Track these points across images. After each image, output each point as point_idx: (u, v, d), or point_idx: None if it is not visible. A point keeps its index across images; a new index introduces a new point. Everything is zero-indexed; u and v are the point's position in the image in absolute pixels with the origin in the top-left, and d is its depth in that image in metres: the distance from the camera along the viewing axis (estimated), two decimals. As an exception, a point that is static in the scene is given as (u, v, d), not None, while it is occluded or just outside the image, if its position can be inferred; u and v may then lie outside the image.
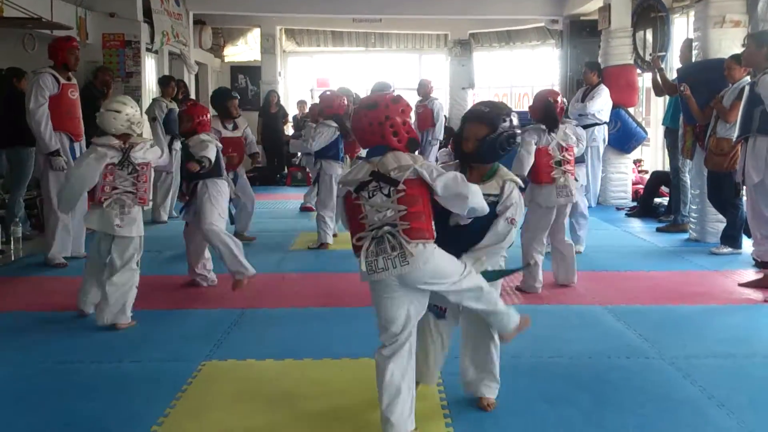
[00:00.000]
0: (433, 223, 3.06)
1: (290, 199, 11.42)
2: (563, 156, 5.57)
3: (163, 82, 9.71)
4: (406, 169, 3.00)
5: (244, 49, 16.02)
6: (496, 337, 3.49)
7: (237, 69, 15.87)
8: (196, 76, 13.45)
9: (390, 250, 2.98)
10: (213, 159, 5.62)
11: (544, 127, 5.62)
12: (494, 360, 3.52)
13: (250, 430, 3.30)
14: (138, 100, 10.16)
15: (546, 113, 5.64)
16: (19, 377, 3.95)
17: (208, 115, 6.05)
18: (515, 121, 3.33)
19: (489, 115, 3.32)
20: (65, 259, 6.66)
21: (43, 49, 7.65)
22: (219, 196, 5.71)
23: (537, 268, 5.62)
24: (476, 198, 3.08)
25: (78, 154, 6.65)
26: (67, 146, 6.59)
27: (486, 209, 3.14)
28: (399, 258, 2.97)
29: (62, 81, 6.54)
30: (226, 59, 15.91)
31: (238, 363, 4.15)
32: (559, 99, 5.84)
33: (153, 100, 9.63)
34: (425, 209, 3.03)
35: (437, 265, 3.04)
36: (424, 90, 11.61)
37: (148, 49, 10.66)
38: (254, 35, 15.81)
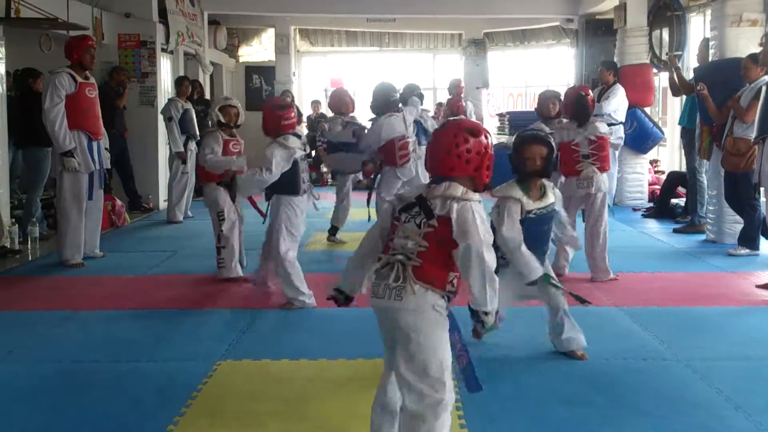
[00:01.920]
0: (450, 276, 2.79)
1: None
2: (591, 150, 5.82)
3: (177, 82, 9.77)
4: (447, 200, 2.75)
5: (259, 49, 16.06)
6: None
7: (251, 69, 15.91)
8: (211, 76, 13.49)
9: (393, 281, 2.75)
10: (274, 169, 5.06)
11: (567, 124, 5.96)
12: None
13: (265, 430, 3.30)
14: (153, 100, 10.25)
15: (579, 106, 5.94)
16: (36, 376, 3.98)
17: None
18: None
19: (546, 137, 4.03)
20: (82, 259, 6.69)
21: (59, 50, 7.69)
22: (293, 215, 5.26)
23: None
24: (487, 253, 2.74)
25: (96, 153, 6.68)
26: (85, 145, 6.58)
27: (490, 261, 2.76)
28: (396, 291, 2.74)
29: (79, 80, 6.54)
30: (241, 59, 15.96)
31: (254, 363, 4.17)
32: (590, 93, 6.24)
33: (168, 100, 9.67)
34: (446, 256, 2.77)
35: (421, 326, 2.73)
36: (455, 90, 11.75)
37: (163, 50, 10.70)
38: (268, 35, 15.84)
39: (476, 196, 2.80)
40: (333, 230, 7.90)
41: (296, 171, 5.18)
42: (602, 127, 6.02)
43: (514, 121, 12.00)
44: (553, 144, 4.01)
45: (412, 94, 7.64)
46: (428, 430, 2.69)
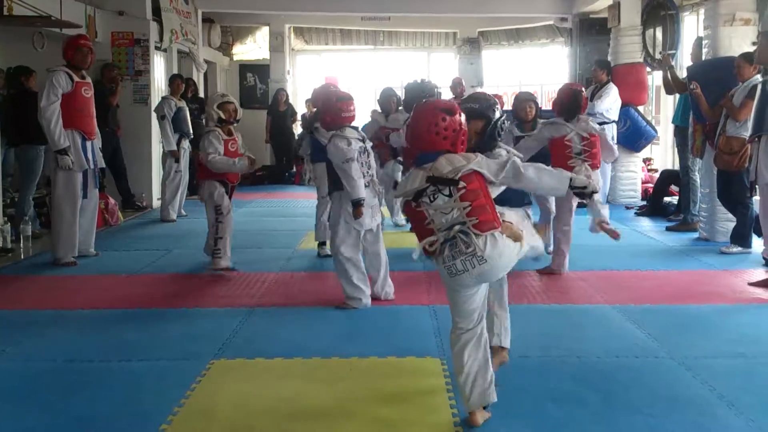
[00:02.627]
0: (496, 210, 3.20)
1: (298, 198, 11.42)
2: (583, 146, 5.87)
3: (170, 80, 9.75)
4: (460, 168, 3.12)
5: (253, 48, 16.03)
6: None
7: (246, 67, 15.88)
8: (205, 74, 13.47)
9: (465, 249, 3.09)
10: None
11: (561, 120, 5.97)
12: None
13: (259, 429, 3.30)
14: (146, 98, 10.22)
15: (572, 102, 5.99)
16: (29, 375, 3.97)
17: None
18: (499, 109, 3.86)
19: (480, 110, 3.78)
20: (74, 258, 6.68)
21: (52, 48, 7.68)
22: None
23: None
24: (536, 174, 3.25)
25: (90, 153, 6.66)
26: (79, 144, 6.57)
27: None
28: (477, 258, 3.09)
29: (76, 79, 6.53)
30: (235, 57, 15.93)
31: (247, 362, 4.16)
32: (583, 90, 6.36)
33: (162, 98, 9.65)
34: (487, 200, 3.16)
35: (510, 258, 3.19)
36: (458, 89, 11.79)
37: (157, 48, 10.68)
38: (263, 33, 15.82)
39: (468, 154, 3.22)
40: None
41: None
42: (594, 125, 6.08)
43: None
44: (492, 118, 3.79)
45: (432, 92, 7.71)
46: None
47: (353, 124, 5.27)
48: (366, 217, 5.08)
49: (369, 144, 5.34)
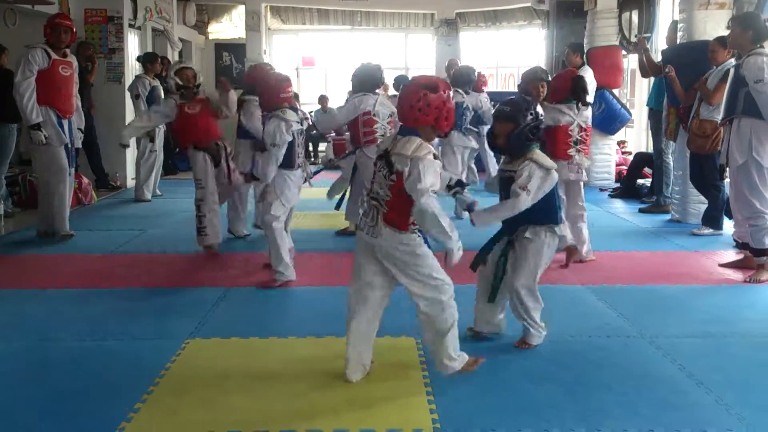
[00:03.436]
0: (410, 218, 3.32)
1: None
2: (580, 136, 5.78)
3: (150, 58, 9.60)
4: (402, 159, 3.25)
5: (229, 26, 15.89)
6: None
7: (221, 46, 15.74)
8: (180, 53, 13.31)
9: (370, 220, 3.40)
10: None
11: (565, 107, 5.72)
12: None
13: (234, 408, 3.31)
14: (120, 76, 10.10)
15: (580, 89, 5.79)
16: (3, 354, 3.94)
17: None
18: (539, 111, 3.93)
19: (511, 113, 3.88)
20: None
21: (24, 25, 7.57)
22: (286, 188, 5.28)
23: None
24: (429, 200, 3.23)
25: (67, 131, 6.60)
26: (54, 120, 6.52)
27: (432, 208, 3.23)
28: (372, 228, 3.39)
29: (54, 56, 6.47)
30: (210, 36, 15.78)
31: (222, 341, 4.16)
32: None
33: (135, 77, 9.53)
34: (409, 205, 3.28)
35: (394, 252, 3.37)
36: (450, 71, 11.63)
37: (131, 25, 10.54)
38: (239, 12, 15.67)
39: (428, 149, 3.28)
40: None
41: (292, 145, 5.17)
42: (589, 119, 5.94)
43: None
44: (522, 122, 3.85)
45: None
46: (441, 325, 3.46)
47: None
48: (294, 197, 5.35)
49: (305, 125, 5.44)
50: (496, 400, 3.39)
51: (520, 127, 3.84)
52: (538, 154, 3.92)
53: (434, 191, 3.25)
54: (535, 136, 3.90)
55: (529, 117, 3.86)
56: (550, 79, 6.21)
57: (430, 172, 3.23)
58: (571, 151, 5.74)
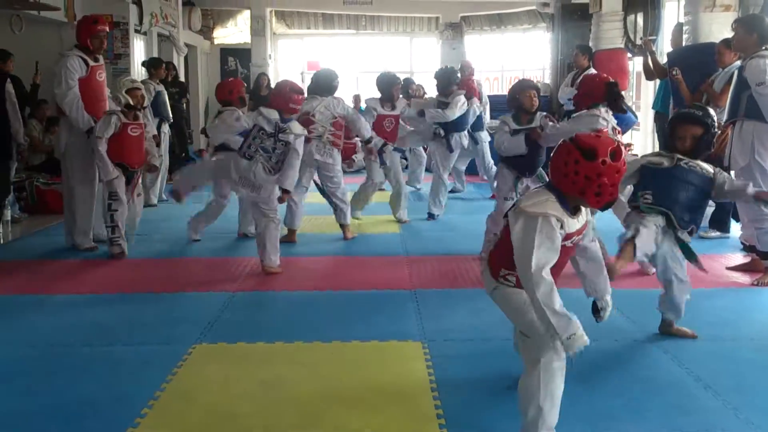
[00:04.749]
0: (502, 271, 2.96)
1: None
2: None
3: (155, 64, 9.63)
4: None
5: (234, 32, 15.93)
6: None
7: (227, 51, 15.78)
8: (186, 58, 13.36)
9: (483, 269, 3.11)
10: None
11: (598, 112, 5.48)
12: None
13: (240, 413, 3.31)
14: (127, 82, 10.10)
15: (614, 94, 5.62)
16: (10, 359, 3.95)
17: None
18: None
19: (703, 117, 4.02)
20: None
21: (30, 31, 7.60)
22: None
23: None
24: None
25: None
26: None
27: None
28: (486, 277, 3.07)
29: (91, 63, 6.38)
30: (216, 41, 15.82)
31: (229, 346, 4.16)
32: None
33: (141, 82, 9.54)
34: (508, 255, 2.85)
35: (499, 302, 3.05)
36: (468, 70, 11.59)
37: (136, 31, 10.58)
38: (244, 17, 15.71)
39: (548, 208, 2.73)
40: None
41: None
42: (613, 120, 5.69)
43: (492, 105, 12.01)
44: (711, 127, 4.08)
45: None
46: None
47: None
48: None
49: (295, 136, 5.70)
50: (503, 404, 3.37)
51: (708, 132, 4.01)
52: None
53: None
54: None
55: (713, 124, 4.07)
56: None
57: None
58: None
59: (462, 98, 7.86)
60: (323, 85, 6.96)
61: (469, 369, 3.78)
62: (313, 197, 7.56)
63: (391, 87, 7.76)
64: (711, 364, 3.85)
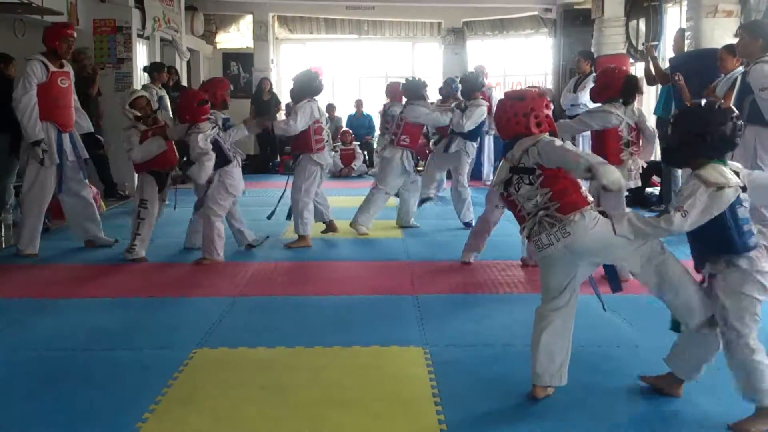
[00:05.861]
0: (583, 189, 3.33)
1: (282, 187, 11.33)
2: (631, 137, 5.41)
3: (157, 68, 9.65)
4: (526, 152, 3.30)
5: (237, 36, 15.95)
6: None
7: (229, 56, 15.80)
8: (188, 62, 13.38)
9: (549, 228, 3.26)
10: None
11: (611, 108, 5.37)
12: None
13: (242, 418, 3.30)
14: (129, 86, 10.12)
15: (632, 87, 5.44)
16: (10, 364, 3.94)
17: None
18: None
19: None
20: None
21: (33, 35, 7.60)
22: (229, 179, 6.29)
23: None
24: (568, 156, 3.20)
25: (66, 146, 6.50)
26: (53, 137, 6.39)
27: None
28: (560, 231, 3.23)
29: (52, 68, 6.34)
30: (218, 46, 15.84)
31: (230, 351, 4.16)
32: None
33: (143, 86, 9.57)
34: (568, 182, 3.28)
35: (598, 236, 3.25)
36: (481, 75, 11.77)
37: (139, 35, 10.60)
38: (246, 22, 15.73)
39: (544, 134, 3.35)
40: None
41: (219, 146, 6.16)
42: (642, 114, 5.59)
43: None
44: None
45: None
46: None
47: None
48: (239, 185, 6.39)
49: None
50: (505, 410, 3.36)
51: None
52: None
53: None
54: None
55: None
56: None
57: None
58: (624, 155, 5.38)
59: (482, 110, 7.81)
60: (316, 87, 7.01)
61: (470, 375, 3.77)
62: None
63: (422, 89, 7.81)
64: (712, 371, 3.83)
